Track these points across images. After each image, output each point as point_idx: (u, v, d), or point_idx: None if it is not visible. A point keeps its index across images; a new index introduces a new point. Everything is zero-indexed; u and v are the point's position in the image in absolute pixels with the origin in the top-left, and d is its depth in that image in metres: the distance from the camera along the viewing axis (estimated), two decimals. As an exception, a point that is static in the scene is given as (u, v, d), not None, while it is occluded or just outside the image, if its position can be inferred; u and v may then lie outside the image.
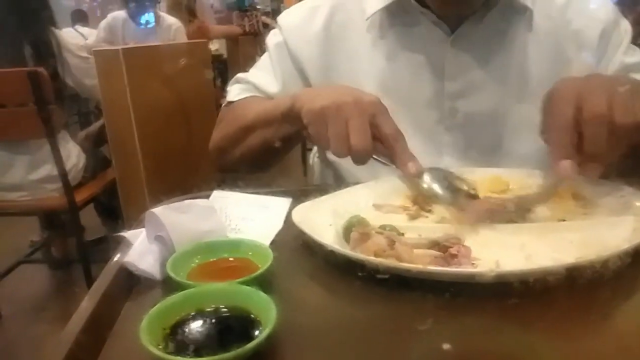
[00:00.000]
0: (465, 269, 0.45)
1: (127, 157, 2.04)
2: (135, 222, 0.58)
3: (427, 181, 0.61)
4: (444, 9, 0.74)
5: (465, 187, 0.61)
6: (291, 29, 0.85)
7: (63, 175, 1.79)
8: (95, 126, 2.39)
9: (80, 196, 1.89)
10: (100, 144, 2.22)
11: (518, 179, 0.66)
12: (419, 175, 0.61)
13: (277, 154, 0.81)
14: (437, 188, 0.60)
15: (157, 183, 2.08)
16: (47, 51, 1.86)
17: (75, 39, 3.27)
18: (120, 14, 3.40)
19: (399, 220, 0.58)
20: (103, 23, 3.42)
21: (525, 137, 0.77)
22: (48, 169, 1.85)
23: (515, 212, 0.55)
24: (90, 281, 2.05)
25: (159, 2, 3.32)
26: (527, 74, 0.78)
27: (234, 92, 0.89)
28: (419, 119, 0.79)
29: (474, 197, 0.60)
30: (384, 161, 0.62)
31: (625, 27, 0.81)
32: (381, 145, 0.60)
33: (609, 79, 0.57)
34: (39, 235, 2.37)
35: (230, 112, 0.87)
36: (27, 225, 2.38)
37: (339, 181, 0.85)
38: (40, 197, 1.88)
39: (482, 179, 0.67)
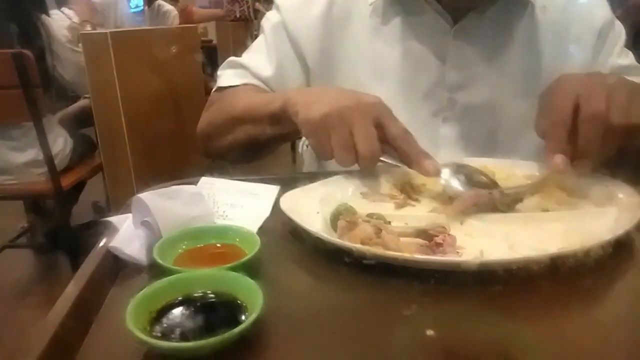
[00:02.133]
0: (450, 257, 0.46)
1: (114, 142, 2.02)
2: (122, 207, 0.58)
3: (446, 178, 0.59)
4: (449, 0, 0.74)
5: (484, 179, 0.60)
6: (290, 9, 0.83)
7: (49, 159, 1.77)
8: (74, 106, 2.35)
9: (66, 181, 1.87)
10: (80, 126, 2.19)
11: (504, 169, 0.67)
12: (438, 173, 0.59)
13: (263, 150, 0.79)
14: (456, 185, 0.59)
15: (144, 168, 2.07)
16: (34, 35, 1.82)
17: (60, 21, 3.19)
18: None
19: (386, 209, 0.59)
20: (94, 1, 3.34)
21: (523, 130, 0.77)
22: (34, 153, 1.83)
23: (503, 202, 0.55)
24: (75, 266, 2.03)
25: None
26: (527, 68, 0.78)
27: (226, 77, 0.86)
28: (416, 108, 0.79)
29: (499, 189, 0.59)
30: (393, 162, 0.60)
31: (620, 29, 0.82)
32: (388, 146, 0.59)
33: (608, 79, 0.58)
34: (25, 220, 2.35)
35: (219, 100, 0.84)
36: (12, 210, 2.36)
37: (328, 169, 0.85)
38: (26, 182, 1.86)
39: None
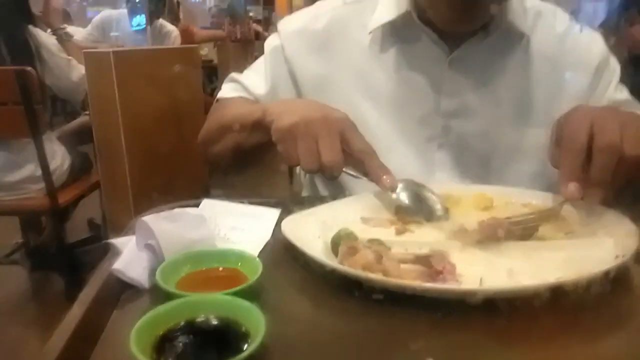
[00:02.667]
0: (449, 285, 0.46)
1: (113, 159, 2.03)
2: (123, 228, 0.58)
3: (397, 192, 0.64)
4: (446, 27, 0.75)
5: (434, 198, 0.64)
6: (290, 34, 0.86)
7: (47, 176, 1.77)
8: (74, 123, 2.36)
9: (63, 197, 1.87)
10: (79, 143, 2.19)
11: (502, 196, 0.68)
12: (394, 188, 0.63)
13: (251, 158, 0.82)
14: (404, 198, 0.64)
15: (142, 187, 2.07)
16: (24, 50, 1.83)
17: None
18: (114, 13, 3.37)
19: (386, 235, 0.59)
20: (95, 20, 3.38)
21: (515, 159, 0.80)
22: (31, 169, 1.83)
23: (522, 234, 0.56)
24: (69, 284, 2.02)
25: (160, 11, 3.29)
26: (521, 99, 0.80)
27: (224, 90, 0.91)
28: (412, 134, 0.80)
29: (444, 209, 0.64)
30: (356, 175, 0.64)
31: (615, 65, 0.84)
32: (352, 159, 0.62)
33: (621, 112, 0.60)
34: (20, 236, 2.33)
35: (216, 109, 0.89)
36: (7, 225, 2.34)
37: (328, 192, 0.86)
38: (22, 198, 1.85)
39: (467, 195, 0.69)
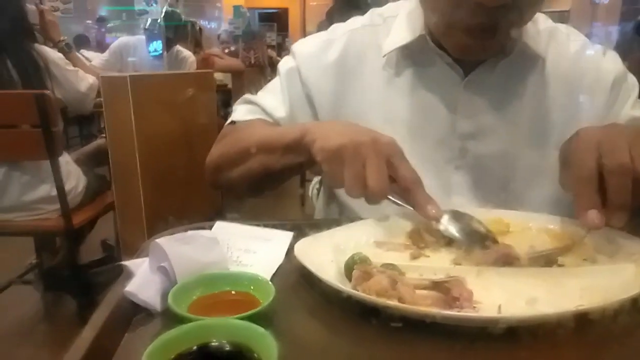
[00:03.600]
0: (467, 312, 0.45)
1: (127, 181, 2.05)
2: (136, 249, 0.58)
3: (445, 223, 0.61)
4: (461, 55, 0.76)
5: (482, 230, 0.62)
6: (305, 57, 0.86)
7: (62, 197, 1.79)
8: (91, 146, 2.39)
9: (78, 218, 1.89)
10: (95, 165, 2.22)
11: (519, 222, 0.67)
12: (438, 218, 0.61)
13: (275, 182, 0.81)
14: (454, 230, 0.61)
15: (156, 209, 2.08)
16: (34, 70, 1.86)
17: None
18: (131, 39, 3.45)
19: (400, 259, 0.58)
20: (113, 46, 3.46)
21: (535, 181, 0.78)
22: (46, 189, 1.85)
23: (535, 264, 0.55)
24: (82, 305, 2.02)
25: (176, 37, 3.36)
26: (539, 120, 0.79)
27: (240, 112, 0.89)
28: (429, 156, 0.80)
29: (493, 240, 0.60)
30: (398, 202, 0.62)
31: (633, 81, 0.83)
32: (396, 186, 0.61)
33: (627, 130, 0.58)
34: (34, 256, 2.35)
35: (233, 132, 0.87)
36: (22, 245, 2.36)
37: (342, 215, 0.85)
38: (37, 218, 1.87)
39: (484, 219, 0.68)
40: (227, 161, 0.82)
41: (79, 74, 2.05)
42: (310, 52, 0.86)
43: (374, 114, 0.82)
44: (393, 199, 0.62)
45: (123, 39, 3.55)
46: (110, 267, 2.22)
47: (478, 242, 0.59)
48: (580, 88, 0.80)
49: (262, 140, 0.76)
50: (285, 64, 0.89)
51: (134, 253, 0.57)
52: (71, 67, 2.02)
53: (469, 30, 0.69)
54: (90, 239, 2.33)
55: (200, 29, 4.20)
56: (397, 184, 0.61)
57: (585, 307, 0.44)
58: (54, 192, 1.80)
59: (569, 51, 0.82)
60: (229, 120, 0.91)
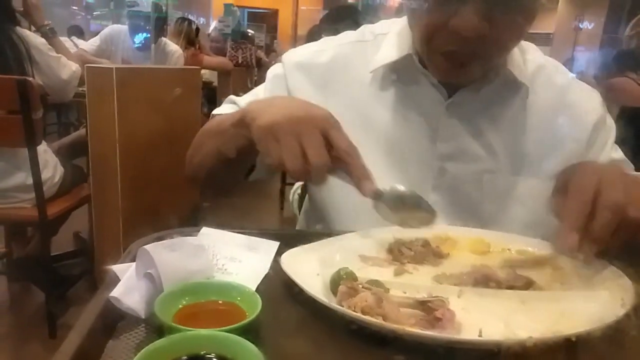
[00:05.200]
0: (449, 334, 0.46)
1: (106, 175, 2.01)
2: (110, 244, 0.57)
3: (377, 201, 0.61)
4: (441, 78, 0.78)
5: (423, 209, 0.63)
6: (293, 65, 0.87)
7: (38, 187, 1.75)
8: (71, 136, 2.34)
9: (52, 209, 1.84)
10: (74, 156, 2.18)
11: (499, 242, 0.69)
12: (376, 195, 0.60)
13: (232, 168, 0.78)
14: (384, 208, 0.61)
15: (133, 205, 2.05)
16: (14, 54, 1.81)
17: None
18: (122, 28, 3.40)
19: (384, 275, 0.59)
20: (104, 34, 3.40)
21: (508, 205, 0.80)
22: (22, 177, 1.81)
23: (514, 286, 0.57)
24: (50, 297, 1.98)
25: (162, 29, 3.32)
26: (517, 148, 0.81)
27: (221, 108, 0.91)
28: (407, 174, 0.81)
29: (430, 219, 0.63)
30: (342, 179, 0.61)
31: (611, 123, 0.86)
32: (337, 161, 0.59)
33: (628, 175, 0.61)
34: (4, 245, 2.29)
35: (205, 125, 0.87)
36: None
37: (324, 225, 0.86)
38: (10, 207, 1.82)
39: (465, 238, 0.69)
40: (193, 149, 0.82)
41: (62, 61, 2.00)
42: (299, 62, 0.87)
43: (357, 127, 0.80)
44: (335, 176, 0.60)
45: (115, 27, 3.50)
46: (80, 260, 2.18)
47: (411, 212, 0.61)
48: (562, 123, 0.82)
49: (216, 124, 0.76)
50: (273, 70, 0.90)
51: (108, 247, 0.57)
52: (54, 53, 1.98)
53: (447, 55, 0.70)
54: (63, 230, 2.29)
55: (197, 28, 4.14)
56: (335, 157, 0.59)
57: (562, 334, 0.45)
58: (30, 181, 1.76)
59: (555, 84, 0.83)
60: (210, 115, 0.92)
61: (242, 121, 0.64)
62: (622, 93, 3.23)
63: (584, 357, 0.45)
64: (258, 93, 0.90)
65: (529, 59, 0.83)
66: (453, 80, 0.78)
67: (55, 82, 1.97)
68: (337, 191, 0.81)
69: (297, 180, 0.58)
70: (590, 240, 0.56)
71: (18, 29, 1.88)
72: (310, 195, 0.92)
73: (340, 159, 0.59)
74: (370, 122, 0.82)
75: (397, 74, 0.82)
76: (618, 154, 0.85)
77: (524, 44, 0.83)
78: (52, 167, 1.91)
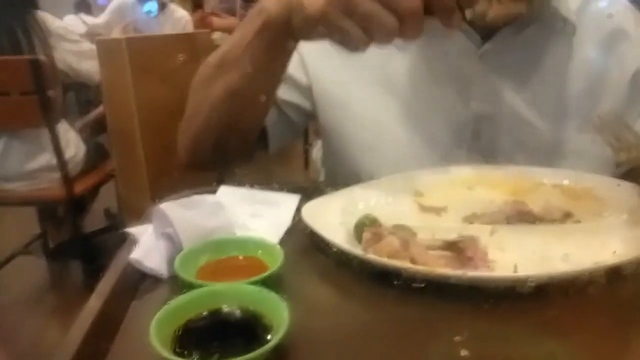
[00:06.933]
0: (482, 272, 0.44)
1: (128, 148, 2.02)
2: (140, 217, 0.57)
3: None
4: (477, 19, 0.66)
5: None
6: None
7: (62, 165, 1.78)
8: (93, 114, 2.35)
9: (79, 187, 1.88)
10: (99, 133, 2.19)
11: (533, 177, 0.64)
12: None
13: (253, 102, 0.65)
14: None
15: (159, 174, 2.06)
16: (26, 33, 1.79)
17: (75, 26, 3.22)
18: None
19: (412, 220, 0.57)
20: (111, 6, 3.40)
21: (554, 167, 0.69)
22: (47, 158, 1.83)
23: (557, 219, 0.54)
24: (88, 274, 2.04)
25: None
26: (565, 100, 0.71)
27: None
28: (438, 139, 0.72)
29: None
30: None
31: None
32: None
33: None
34: (38, 226, 2.36)
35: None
36: (26, 216, 2.37)
37: (345, 175, 0.83)
38: (38, 187, 1.86)
39: (496, 176, 0.65)
40: (191, 110, 0.72)
41: (83, 48, 1.98)
42: None
43: (375, 88, 0.74)
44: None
45: None
46: (114, 235, 2.23)
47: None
48: (610, 66, 0.71)
49: (218, 58, 0.65)
50: None
51: (138, 220, 0.56)
52: (75, 38, 1.96)
53: None
54: (94, 208, 2.33)
55: None
56: None
57: (605, 264, 0.43)
58: (54, 161, 1.79)
59: (605, 28, 0.72)
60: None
61: (273, 24, 0.55)
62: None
63: (625, 288, 0.43)
64: None
65: None
66: (490, 20, 0.65)
67: (75, 71, 1.97)
68: (354, 140, 0.75)
69: (389, 42, 0.49)
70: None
71: (39, 12, 1.87)
72: (329, 150, 0.88)
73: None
74: (391, 81, 0.73)
75: None
76: None
77: None
78: (74, 146, 1.93)
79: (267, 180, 0.67)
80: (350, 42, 0.50)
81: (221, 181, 0.66)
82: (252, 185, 0.65)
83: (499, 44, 0.68)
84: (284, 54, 0.62)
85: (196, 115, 0.72)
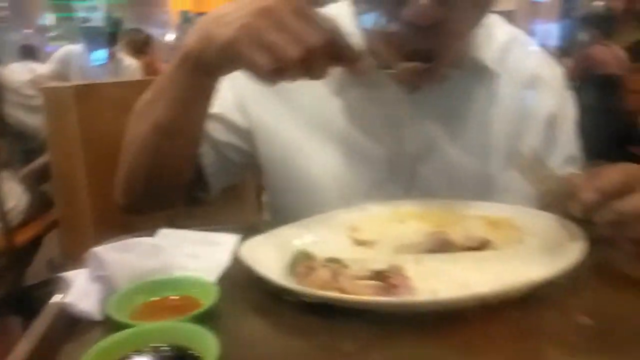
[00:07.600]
0: (401, 298, 0.47)
1: (72, 197, 1.96)
2: (76, 263, 0.57)
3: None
4: (410, 89, 0.72)
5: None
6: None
7: (2, 216, 1.71)
8: (37, 163, 2.29)
9: (20, 237, 1.80)
10: (43, 182, 2.13)
11: (459, 211, 0.69)
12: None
13: (181, 134, 0.67)
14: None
15: (104, 224, 2.01)
16: None
17: (21, 74, 3.17)
18: (76, 48, 3.35)
19: (344, 253, 0.60)
20: (57, 55, 3.36)
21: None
22: (-14, 207, 1.76)
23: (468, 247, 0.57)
24: (27, 324, 1.93)
25: (117, 44, 3.30)
26: (491, 141, 0.75)
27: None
28: (375, 179, 0.75)
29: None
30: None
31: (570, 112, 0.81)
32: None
33: None
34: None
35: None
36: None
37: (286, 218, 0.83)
38: (-23, 239, 1.78)
39: (427, 210, 0.69)
40: (124, 154, 0.72)
41: (34, 103, 1.96)
42: None
43: (313, 133, 0.76)
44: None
45: (67, 47, 3.45)
46: (53, 285, 2.13)
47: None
48: (522, 116, 0.76)
49: (149, 94, 0.67)
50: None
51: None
52: (29, 92, 1.94)
53: (408, 56, 0.63)
54: (38, 259, 2.23)
55: (147, 36, 4.10)
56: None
57: (506, 288, 0.46)
58: (-6, 211, 1.72)
59: (525, 71, 0.77)
60: None
61: (189, 56, 0.57)
62: (600, 62, 3.30)
63: (537, 311, 0.47)
64: None
65: (495, 34, 0.77)
66: (424, 85, 0.71)
67: (24, 125, 1.94)
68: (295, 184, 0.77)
69: (295, 75, 0.53)
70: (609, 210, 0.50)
71: None
72: (270, 191, 0.89)
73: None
74: (328, 127, 0.76)
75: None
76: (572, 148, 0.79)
77: (490, 18, 0.74)
78: (17, 195, 1.87)
79: (216, 223, 0.68)
80: (259, 72, 0.53)
81: (171, 225, 0.66)
82: (191, 228, 0.66)
83: (426, 91, 0.73)
84: (204, 87, 0.63)
85: (127, 154, 0.72)
